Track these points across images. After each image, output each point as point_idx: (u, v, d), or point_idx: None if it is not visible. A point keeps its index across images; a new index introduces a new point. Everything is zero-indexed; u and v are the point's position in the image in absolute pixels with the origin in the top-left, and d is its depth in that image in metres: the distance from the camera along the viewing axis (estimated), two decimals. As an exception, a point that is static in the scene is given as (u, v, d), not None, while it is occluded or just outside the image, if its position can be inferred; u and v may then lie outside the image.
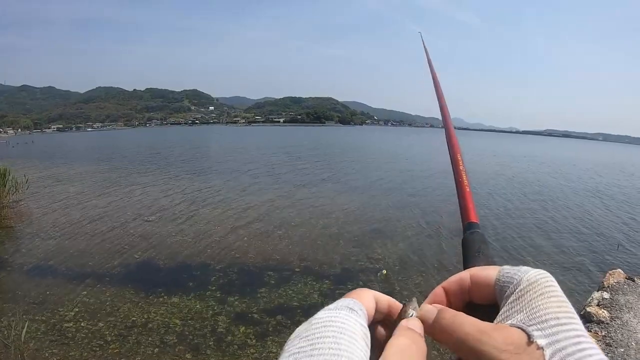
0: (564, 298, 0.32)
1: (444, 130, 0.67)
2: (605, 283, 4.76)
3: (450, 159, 0.60)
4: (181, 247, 9.16)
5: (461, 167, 0.57)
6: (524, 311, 0.31)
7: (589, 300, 4.34)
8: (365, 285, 7.11)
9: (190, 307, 6.32)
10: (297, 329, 0.30)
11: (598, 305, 4.19)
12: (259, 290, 6.95)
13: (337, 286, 7.12)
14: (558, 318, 0.29)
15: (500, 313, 0.33)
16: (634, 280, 4.75)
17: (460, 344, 0.31)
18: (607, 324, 3.77)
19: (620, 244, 10.32)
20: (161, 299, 6.57)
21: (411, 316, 0.34)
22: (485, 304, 0.36)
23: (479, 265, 0.41)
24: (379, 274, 7.66)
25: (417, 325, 0.33)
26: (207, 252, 8.86)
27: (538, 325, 0.29)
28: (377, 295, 0.37)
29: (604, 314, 3.93)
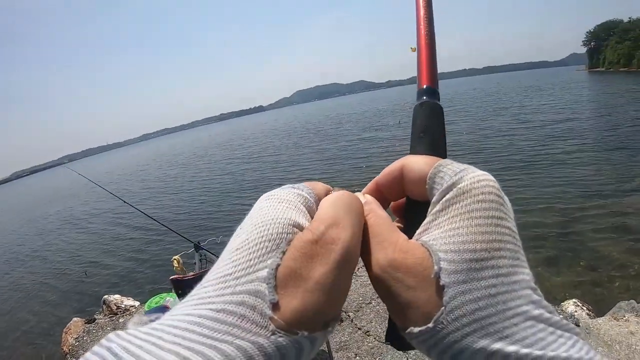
0: (496, 219, 0.25)
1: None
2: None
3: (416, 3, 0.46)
4: None
5: (422, 17, 0.44)
6: (443, 227, 0.25)
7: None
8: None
9: None
10: None
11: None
12: None
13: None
14: (475, 250, 0.23)
15: (423, 222, 0.27)
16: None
17: (365, 243, 0.28)
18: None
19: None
20: None
21: None
22: (424, 202, 0.29)
23: (419, 151, 0.35)
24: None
25: (344, 192, 0.31)
26: None
27: (449, 255, 0.24)
28: (331, 188, 0.33)
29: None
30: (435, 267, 0.23)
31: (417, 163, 0.30)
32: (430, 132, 0.37)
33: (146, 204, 16.59)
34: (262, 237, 0.24)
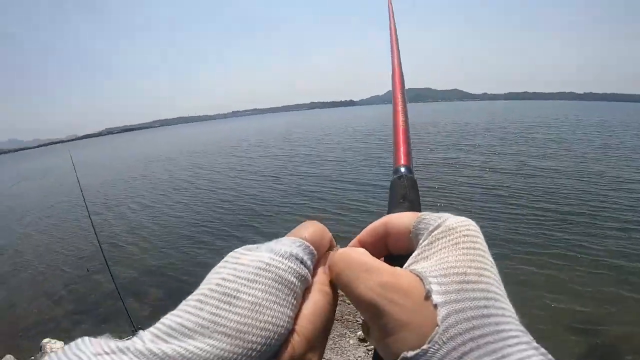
0: (482, 252, 0.26)
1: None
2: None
3: (393, 94, 0.54)
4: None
5: (399, 106, 0.53)
6: (432, 259, 0.26)
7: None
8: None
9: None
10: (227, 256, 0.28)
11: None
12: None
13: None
14: (465, 274, 0.24)
15: (412, 256, 0.28)
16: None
17: (340, 278, 0.28)
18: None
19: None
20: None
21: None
22: (405, 255, 0.30)
23: (399, 213, 0.35)
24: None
25: (324, 303, 0.29)
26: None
27: (440, 279, 0.24)
28: (334, 243, 0.33)
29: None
30: (427, 287, 0.24)
31: (401, 217, 0.32)
32: (409, 199, 0.42)
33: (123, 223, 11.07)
34: (258, 343, 0.23)
